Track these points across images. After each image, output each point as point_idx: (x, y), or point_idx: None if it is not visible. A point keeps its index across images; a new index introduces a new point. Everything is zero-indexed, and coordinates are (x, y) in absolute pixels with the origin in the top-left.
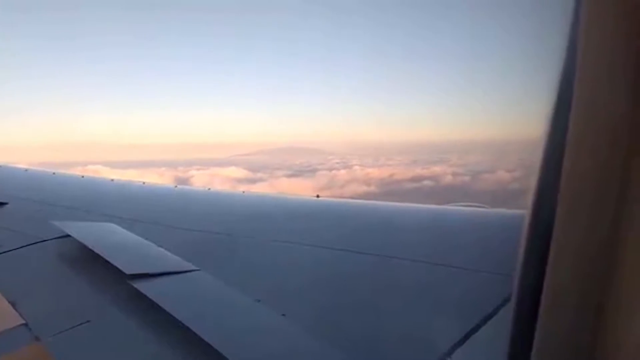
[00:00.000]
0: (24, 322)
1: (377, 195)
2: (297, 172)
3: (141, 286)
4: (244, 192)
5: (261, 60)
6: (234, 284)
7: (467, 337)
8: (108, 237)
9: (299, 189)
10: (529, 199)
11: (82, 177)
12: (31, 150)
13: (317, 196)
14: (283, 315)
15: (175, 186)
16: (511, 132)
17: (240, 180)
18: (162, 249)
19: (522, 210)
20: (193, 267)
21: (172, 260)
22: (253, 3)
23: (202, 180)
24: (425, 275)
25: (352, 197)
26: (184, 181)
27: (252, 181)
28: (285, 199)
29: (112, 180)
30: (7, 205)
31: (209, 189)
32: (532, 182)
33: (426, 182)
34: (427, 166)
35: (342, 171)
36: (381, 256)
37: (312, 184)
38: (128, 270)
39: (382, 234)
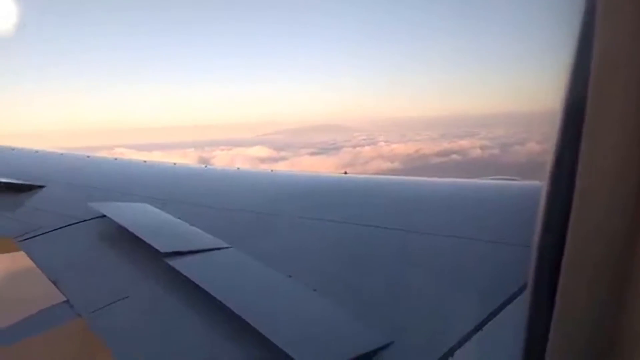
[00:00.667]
0: (65, 299)
1: (401, 171)
2: (321, 150)
3: (175, 263)
4: (272, 170)
5: (287, 38)
6: (265, 260)
7: (499, 309)
8: (143, 217)
9: (322, 167)
10: (547, 170)
11: (116, 159)
12: (59, 136)
13: (345, 173)
14: (314, 290)
15: (205, 166)
16: (542, 103)
17: (263, 159)
18: (194, 228)
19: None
20: (225, 245)
21: (204, 238)
22: None
23: (226, 160)
24: (458, 250)
25: (375, 174)
26: (208, 161)
27: (275, 160)
28: (314, 176)
29: (145, 161)
30: (45, 188)
31: (238, 168)
32: (549, 159)
33: (453, 157)
34: (454, 140)
35: (367, 148)
36: (412, 232)
37: (335, 161)
38: (163, 248)
39: (413, 209)
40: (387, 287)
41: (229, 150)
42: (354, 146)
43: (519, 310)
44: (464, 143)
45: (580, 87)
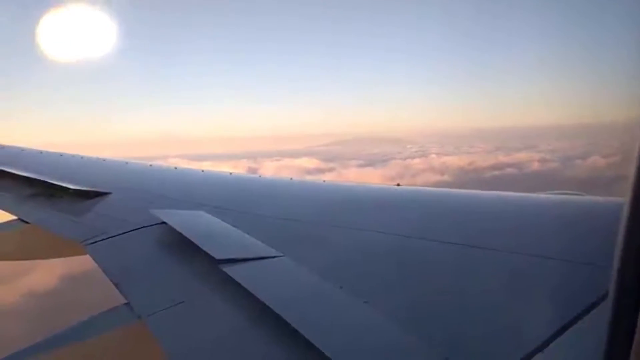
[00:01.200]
0: (126, 301)
1: (452, 184)
2: (370, 162)
3: (229, 270)
4: (325, 181)
5: (342, 51)
6: (317, 270)
7: (561, 332)
8: (199, 224)
9: (369, 179)
10: (628, 187)
11: (176, 168)
12: (116, 146)
13: (398, 184)
14: (365, 302)
15: (260, 176)
16: (607, 115)
17: (309, 171)
18: (248, 236)
19: (621, 198)
20: (278, 254)
21: (258, 246)
22: None
23: (274, 171)
24: (518, 266)
25: (422, 186)
26: (256, 171)
27: (322, 171)
28: (367, 187)
29: (203, 171)
30: (110, 195)
31: (292, 178)
32: (631, 168)
33: (509, 170)
34: (509, 153)
35: (417, 160)
36: (469, 246)
37: (383, 173)
38: (218, 255)
39: (471, 222)
40: (441, 303)
41: (277, 161)
42: (404, 158)
43: (595, 331)
44: (521, 156)
45: None
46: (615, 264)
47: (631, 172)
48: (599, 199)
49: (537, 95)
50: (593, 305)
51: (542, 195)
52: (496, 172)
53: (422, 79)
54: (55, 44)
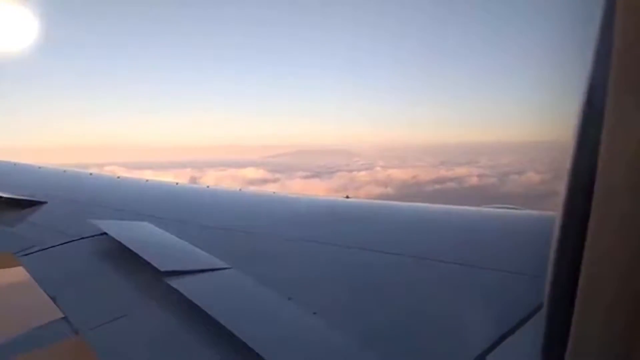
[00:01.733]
0: (63, 315)
1: (394, 197)
2: (316, 174)
3: (175, 283)
4: (274, 192)
5: (292, 61)
6: (266, 282)
7: (498, 342)
8: (143, 235)
9: (313, 190)
10: (561, 201)
11: (118, 177)
12: (50, 153)
13: (347, 197)
14: (314, 313)
15: (207, 186)
16: (546, 133)
17: (253, 181)
18: (194, 247)
19: (555, 212)
20: (225, 265)
21: (204, 258)
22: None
23: (218, 181)
24: (456, 276)
25: (367, 198)
26: (198, 181)
27: (268, 181)
28: (315, 199)
29: (147, 180)
30: (46, 204)
31: (239, 189)
32: (563, 184)
33: (449, 184)
34: (452, 168)
35: (363, 172)
36: (411, 256)
37: (328, 185)
38: (162, 267)
39: (413, 234)
40: (387, 312)
41: (222, 171)
42: (350, 170)
43: (529, 340)
44: (462, 170)
45: (594, 117)
46: (549, 274)
47: (562, 187)
48: (533, 212)
49: (486, 112)
50: (529, 316)
51: (480, 209)
52: (437, 186)
53: (375, 94)
54: None
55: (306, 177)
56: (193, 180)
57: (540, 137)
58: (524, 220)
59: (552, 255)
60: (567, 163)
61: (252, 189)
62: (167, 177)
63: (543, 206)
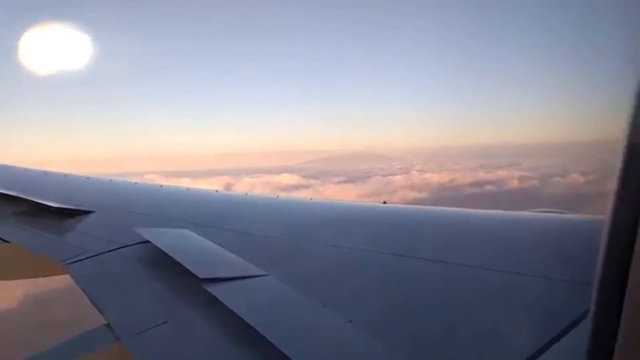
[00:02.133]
0: (106, 322)
1: (429, 201)
2: (351, 179)
3: (214, 290)
4: (311, 199)
5: (328, 67)
6: (302, 289)
7: (542, 350)
8: (183, 242)
9: (346, 195)
10: (609, 204)
11: (161, 186)
12: (94, 162)
13: (384, 202)
14: (350, 321)
15: (246, 193)
16: (595, 133)
17: (287, 187)
18: (232, 254)
19: (602, 216)
20: (263, 272)
21: (242, 265)
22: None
23: (251, 187)
24: (501, 284)
25: (399, 203)
26: (233, 188)
27: (299, 187)
28: (353, 205)
29: (188, 189)
30: (93, 213)
31: (277, 195)
32: (612, 186)
33: (488, 187)
34: (492, 170)
35: (398, 177)
36: (453, 264)
37: (362, 190)
38: (202, 274)
39: (456, 240)
40: (426, 321)
41: (256, 178)
42: (385, 175)
43: (575, 349)
44: (502, 173)
45: None
46: (596, 281)
47: (612, 189)
48: (580, 216)
49: (527, 113)
50: (574, 324)
51: (525, 213)
52: (476, 189)
53: (415, 97)
54: (31, 57)
55: (340, 182)
56: (228, 187)
57: (587, 137)
58: (570, 225)
59: (599, 260)
60: (616, 164)
61: (286, 195)
62: (204, 185)
63: (588, 209)
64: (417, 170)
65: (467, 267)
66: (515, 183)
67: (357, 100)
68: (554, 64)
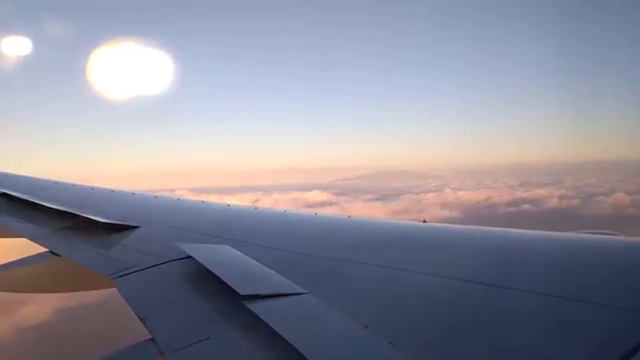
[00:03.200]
0: (151, 337)
1: (457, 220)
2: (382, 196)
3: (254, 307)
4: (350, 216)
5: (379, 82)
6: (342, 308)
7: None
8: (224, 258)
9: (372, 212)
10: None
11: (203, 202)
12: (126, 179)
13: (424, 221)
14: (391, 343)
15: (285, 210)
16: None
17: (314, 204)
18: (272, 271)
19: None
20: (303, 290)
21: (282, 282)
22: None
23: (280, 204)
24: (557, 310)
25: (440, 223)
26: (260, 204)
27: (324, 204)
28: (393, 223)
29: (228, 205)
30: (139, 229)
31: (316, 213)
32: None
33: (525, 207)
34: (531, 189)
35: (430, 195)
36: (502, 287)
37: (389, 207)
38: (242, 290)
39: (504, 261)
40: (473, 346)
41: (286, 194)
42: (417, 193)
43: None
44: (541, 192)
45: None
46: None
47: None
48: (634, 239)
49: (572, 131)
50: (631, 353)
51: (575, 234)
52: (511, 209)
53: (459, 114)
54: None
55: (370, 200)
56: (255, 203)
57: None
58: (622, 247)
59: None
60: None
61: (309, 211)
62: (231, 200)
63: (634, 229)
64: (452, 188)
65: (519, 292)
66: (554, 202)
67: (401, 118)
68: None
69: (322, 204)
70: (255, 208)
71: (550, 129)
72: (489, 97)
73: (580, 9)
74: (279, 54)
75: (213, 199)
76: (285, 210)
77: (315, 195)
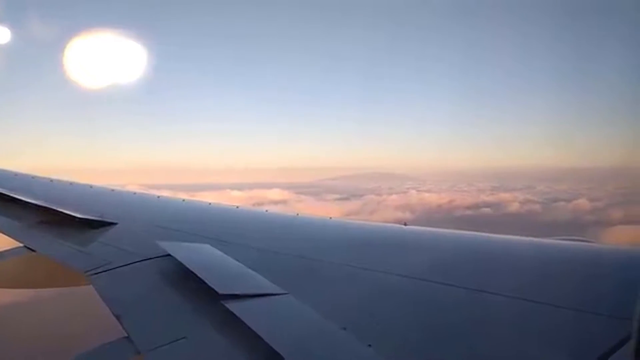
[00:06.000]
0: (127, 335)
1: (409, 221)
2: (347, 197)
3: (232, 306)
4: (330, 217)
5: (379, 83)
6: (321, 309)
7: None
8: (204, 257)
9: (323, 213)
10: None
11: (184, 200)
12: (102, 174)
13: (405, 224)
14: (369, 345)
15: (266, 210)
16: (622, 159)
17: (260, 203)
18: (252, 271)
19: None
20: (282, 291)
21: (261, 282)
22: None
23: (233, 201)
24: (529, 314)
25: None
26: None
27: (278, 203)
28: (375, 226)
29: (210, 203)
30: (117, 225)
31: (297, 214)
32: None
33: (484, 210)
34: (498, 193)
35: (394, 196)
36: (476, 290)
37: (345, 208)
38: (221, 290)
39: (479, 266)
40: (448, 349)
41: (245, 192)
42: (382, 194)
43: None
44: (506, 196)
45: None
46: (637, 315)
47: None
48: (611, 246)
49: (565, 137)
50: (605, 356)
51: (549, 240)
52: (469, 212)
53: (447, 118)
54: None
55: (333, 200)
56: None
57: (617, 161)
58: (596, 254)
59: None
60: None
61: (259, 208)
62: (206, 198)
63: (587, 235)
64: (418, 191)
65: (493, 295)
66: (515, 206)
67: (400, 120)
68: (602, 84)
69: (276, 203)
70: (237, 207)
71: (546, 134)
72: (489, 99)
73: (557, 14)
74: (270, 49)
75: (200, 196)
76: (266, 210)
77: (274, 194)
